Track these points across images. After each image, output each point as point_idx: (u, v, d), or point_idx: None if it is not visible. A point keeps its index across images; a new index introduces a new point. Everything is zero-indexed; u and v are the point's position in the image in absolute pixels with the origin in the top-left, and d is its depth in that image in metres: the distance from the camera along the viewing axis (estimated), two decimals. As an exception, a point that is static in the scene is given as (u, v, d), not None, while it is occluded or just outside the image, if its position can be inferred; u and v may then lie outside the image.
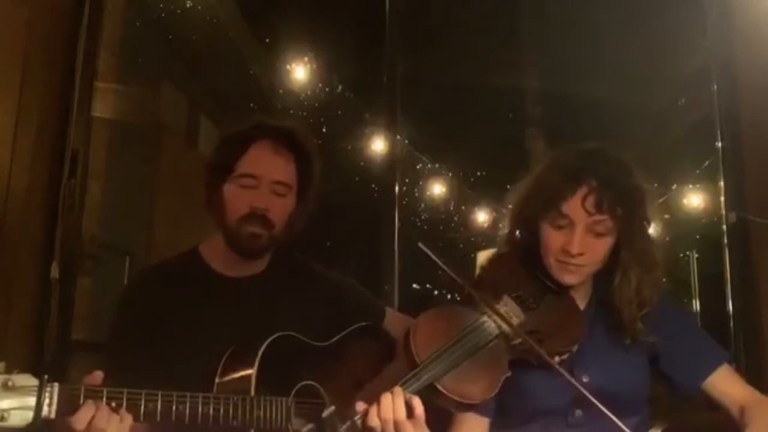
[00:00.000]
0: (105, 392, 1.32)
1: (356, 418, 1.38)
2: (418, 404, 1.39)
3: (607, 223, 1.56)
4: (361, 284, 2.00)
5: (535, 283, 1.64)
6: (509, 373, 1.50)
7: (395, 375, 1.47)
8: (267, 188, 1.70)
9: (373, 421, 1.36)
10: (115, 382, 1.36)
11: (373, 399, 1.39)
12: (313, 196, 1.82)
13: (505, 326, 1.53)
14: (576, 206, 1.56)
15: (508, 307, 1.58)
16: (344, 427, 1.38)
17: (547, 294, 1.63)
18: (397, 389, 1.39)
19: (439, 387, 1.42)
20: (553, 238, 1.59)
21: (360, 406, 1.40)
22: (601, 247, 1.58)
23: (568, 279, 1.60)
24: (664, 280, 1.69)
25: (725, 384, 1.66)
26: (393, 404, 1.37)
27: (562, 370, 1.44)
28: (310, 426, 1.46)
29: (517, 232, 1.70)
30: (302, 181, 1.77)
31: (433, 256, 1.53)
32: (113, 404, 1.32)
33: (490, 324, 1.53)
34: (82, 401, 1.29)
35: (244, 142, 1.73)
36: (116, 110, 3.09)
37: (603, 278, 1.66)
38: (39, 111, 2.71)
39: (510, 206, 1.73)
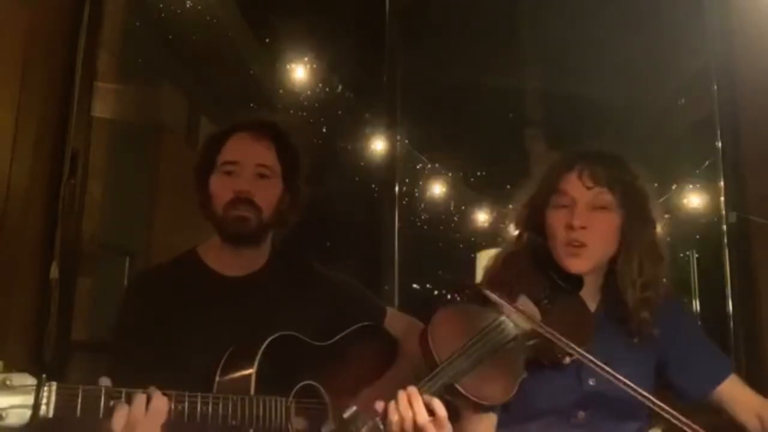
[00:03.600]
0: (104, 392, 1.32)
1: (378, 419, 1.36)
2: (438, 405, 1.38)
3: (607, 198, 1.59)
4: (361, 284, 2.00)
5: (547, 283, 1.64)
6: (525, 375, 1.50)
7: (401, 379, 1.46)
8: (250, 172, 1.72)
9: (394, 416, 1.35)
10: (118, 384, 1.35)
11: (387, 397, 1.38)
12: (303, 188, 1.82)
13: (526, 325, 1.52)
14: (574, 182, 1.59)
15: (525, 307, 1.57)
16: (366, 427, 1.36)
17: (560, 295, 1.63)
18: (414, 391, 1.37)
19: (459, 388, 1.42)
20: (556, 219, 1.60)
21: (381, 405, 1.38)
22: (604, 223, 1.59)
23: (576, 264, 1.59)
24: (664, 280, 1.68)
25: (737, 393, 1.66)
26: (412, 407, 1.35)
27: (591, 358, 1.41)
28: (330, 427, 1.43)
29: (526, 230, 1.70)
30: (286, 169, 1.78)
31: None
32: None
33: (508, 324, 1.53)
34: (80, 401, 1.28)
35: (222, 136, 1.77)
36: (116, 110, 3.09)
37: (612, 283, 1.65)
38: (39, 111, 2.71)
39: (518, 204, 1.73)
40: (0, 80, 2.64)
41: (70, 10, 2.92)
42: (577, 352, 1.43)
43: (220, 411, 1.44)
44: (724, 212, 2.92)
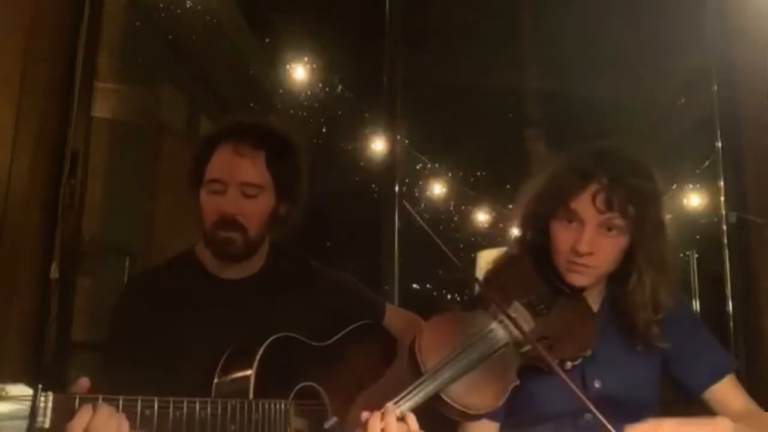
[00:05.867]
0: (100, 399, 1.29)
1: (358, 430, 1.33)
2: (412, 420, 1.34)
3: (618, 222, 1.51)
4: (360, 282, 2.00)
5: (546, 286, 1.59)
6: (517, 382, 1.46)
7: (398, 379, 1.44)
8: (236, 191, 1.68)
9: None
10: (113, 386, 1.34)
11: (376, 405, 1.34)
12: (301, 189, 1.79)
13: (516, 333, 1.47)
14: (586, 204, 1.51)
15: (517, 313, 1.52)
16: None
17: (559, 297, 1.58)
18: (390, 407, 1.33)
19: (444, 397, 1.38)
20: (563, 237, 1.55)
21: (364, 415, 1.34)
22: (612, 247, 1.54)
23: (578, 280, 1.56)
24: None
25: (727, 395, 1.62)
26: (386, 423, 1.31)
27: (568, 380, 1.37)
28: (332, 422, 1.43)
29: (528, 233, 1.65)
30: (279, 176, 1.73)
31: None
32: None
33: (498, 331, 1.49)
34: (77, 409, 1.26)
35: (210, 145, 1.72)
36: (116, 110, 3.09)
37: (617, 279, 1.61)
38: (39, 111, 2.71)
39: (521, 206, 1.67)
40: (0, 79, 2.64)
41: (70, 9, 2.93)
42: (548, 363, 1.39)
43: (219, 416, 1.43)
44: (724, 212, 2.92)
